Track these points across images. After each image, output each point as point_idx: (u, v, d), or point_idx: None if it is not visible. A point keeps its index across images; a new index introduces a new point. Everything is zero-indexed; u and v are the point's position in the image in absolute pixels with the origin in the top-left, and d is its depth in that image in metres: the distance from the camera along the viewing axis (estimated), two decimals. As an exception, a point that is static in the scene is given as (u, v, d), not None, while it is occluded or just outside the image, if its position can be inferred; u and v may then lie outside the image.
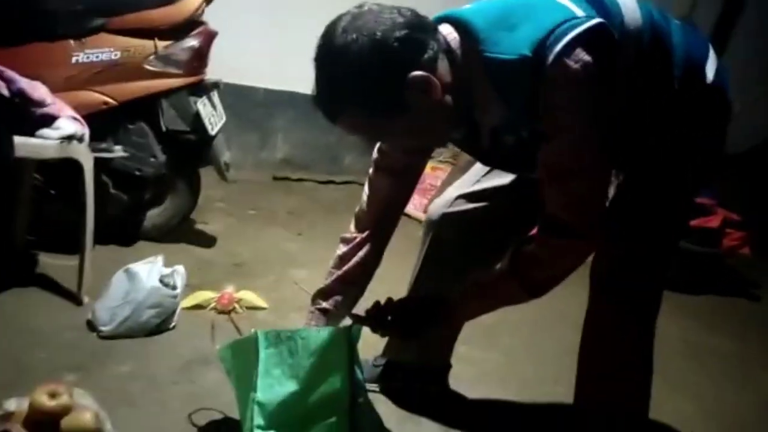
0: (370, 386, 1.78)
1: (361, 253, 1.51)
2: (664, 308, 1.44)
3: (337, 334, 1.36)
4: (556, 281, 1.25)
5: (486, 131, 1.26)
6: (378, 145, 1.49)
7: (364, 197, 1.53)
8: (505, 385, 1.99)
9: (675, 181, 1.35)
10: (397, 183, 1.50)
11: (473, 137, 1.29)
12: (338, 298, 1.51)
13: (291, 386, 1.35)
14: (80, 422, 1.29)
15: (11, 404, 1.33)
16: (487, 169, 1.60)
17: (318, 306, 1.52)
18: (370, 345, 1.69)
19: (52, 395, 1.31)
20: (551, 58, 1.07)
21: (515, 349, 2.26)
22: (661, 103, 1.28)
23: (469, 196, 1.61)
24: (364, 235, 1.52)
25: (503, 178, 1.57)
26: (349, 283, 1.52)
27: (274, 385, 1.35)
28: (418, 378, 1.79)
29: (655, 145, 1.32)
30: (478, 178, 1.62)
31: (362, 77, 1.09)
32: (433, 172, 3.86)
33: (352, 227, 1.55)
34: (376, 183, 1.51)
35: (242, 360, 1.40)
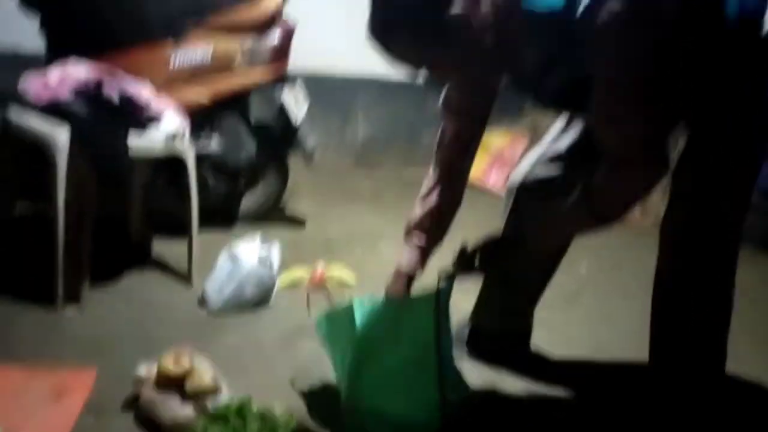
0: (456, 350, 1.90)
1: (437, 191, 1.59)
2: (740, 263, 1.45)
3: (427, 298, 1.46)
4: (622, 209, 1.33)
5: (533, 69, 1.30)
6: (445, 89, 1.55)
7: (437, 139, 1.61)
8: (586, 347, 2.04)
9: (741, 136, 1.36)
10: (461, 123, 1.56)
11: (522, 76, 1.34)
12: (425, 236, 1.58)
13: (384, 350, 1.46)
14: (202, 383, 1.47)
15: (142, 370, 1.55)
16: (560, 130, 1.65)
17: (411, 242, 1.59)
18: (457, 311, 1.79)
19: (177, 361, 1.51)
20: None
21: (596, 314, 2.29)
22: (716, 55, 1.29)
23: (546, 162, 1.67)
24: (438, 174, 1.60)
25: (575, 136, 1.62)
26: (435, 219, 1.58)
27: (369, 349, 1.46)
28: (502, 342, 1.88)
29: (717, 99, 1.33)
30: (552, 138, 1.68)
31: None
32: (512, 144, 3.88)
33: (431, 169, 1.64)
34: (443, 125, 1.58)
35: (338, 328, 1.53)
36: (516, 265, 1.55)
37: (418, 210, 1.59)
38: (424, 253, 1.58)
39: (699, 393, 1.51)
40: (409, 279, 1.57)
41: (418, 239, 1.58)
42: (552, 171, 1.66)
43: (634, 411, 1.66)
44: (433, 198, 1.58)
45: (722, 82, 1.32)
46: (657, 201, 3.42)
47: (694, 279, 1.43)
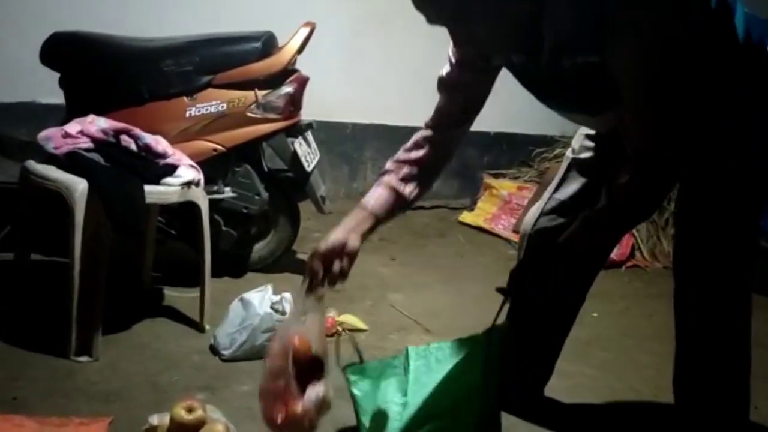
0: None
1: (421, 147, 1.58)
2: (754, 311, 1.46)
3: (477, 340, 1.45)
4: (650, 208, 1.42)
5: (547, 47, 1.32)
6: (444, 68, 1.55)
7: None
8: (600, 396, 2.02)
9: (741, 136, 1.39)
10: (453, 97, 1.55)
11: (533, 58, 1.36)
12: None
13: (433, 392, 1.45)
14: (215, 433, 1.47)
15: (154, 419, 1.54)
16: (561, 179, 1.71)
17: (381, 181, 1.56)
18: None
19: (189, 410, 1.50)
20: None
21: (610, 363, 2.28)
22: (725, 81, 1.34)
23: (558, 208, 1.70)
24: (424, 134, 1.59)
25: (587, 178, 1.67)
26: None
27: (420, 391, 1.46)
28: (518, 392, 1.86)
29: (719, 134, 1.38)
30: (554, 188, 1.73)
31: None
32: (520, 191, 3.92)
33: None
34: (440, 97, 1.58)
35: (377, 377, 1.51)
36: (543, 295, 1.55)
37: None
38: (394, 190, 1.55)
39: None
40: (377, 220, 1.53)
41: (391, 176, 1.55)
42: (557, 220, 1.69)
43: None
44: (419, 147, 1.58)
45: (724, 111, 1.38)
46: (667, 246, 3.44)
47: (711, 315, 1.43)
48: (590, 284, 1.79)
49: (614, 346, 2.42)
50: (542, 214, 1.73)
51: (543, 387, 1.90)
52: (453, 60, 1.52)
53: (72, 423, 1.60)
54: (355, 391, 1.53)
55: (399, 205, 1.55)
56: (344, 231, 1.48)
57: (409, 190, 1.55)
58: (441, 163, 1.61)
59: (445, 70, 1.55)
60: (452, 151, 1.63)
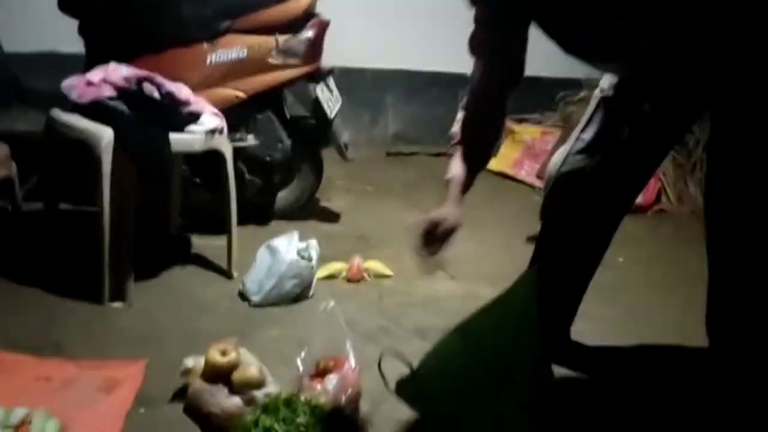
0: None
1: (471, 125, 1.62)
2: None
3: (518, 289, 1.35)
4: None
5: None
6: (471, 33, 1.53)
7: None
8: (627, 340, 2.03)
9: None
10: (487, 63, 1.54)
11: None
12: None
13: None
14: (248, 375, 1.51)
15: (189, 362, 1.58)
16: (586, 121, 1.69)
17: (456, 155, 1.62)
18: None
19: (223, 353, 1.54)
20: None
21: (636, 308, 2.28)
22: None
23: (586, 148, 1.68)
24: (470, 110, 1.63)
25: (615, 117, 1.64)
26: (471, 147, 1.62)
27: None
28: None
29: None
30: (580, 130, 1.71)
31: None
32: (543, 137, 3.86)
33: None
34: (473, 66, 1.57)
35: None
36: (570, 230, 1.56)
37: (457, 129, 1.64)
38: (470, 169, 1.60)
39: (759, 378, 1.49)
40: (462, 188, 1.60)
41: (462, 153, 1.60)
42: (585, 161, 1.67)
43: (685, 396, 1.66)
44: (468, 128, 1.62)
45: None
46: (694, 190, 3.39)
47: (746, 248, 1.43)
48: (616, 225, 1.77)
49: (641, 290, 2.41)
50: (569, 155, 1.71)
51: (568, 329, 1.91)
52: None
53: (109, 366, 1.65)
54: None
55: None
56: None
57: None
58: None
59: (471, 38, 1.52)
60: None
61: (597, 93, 1.72)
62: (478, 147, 1.63)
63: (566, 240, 1.72)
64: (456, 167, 1.61)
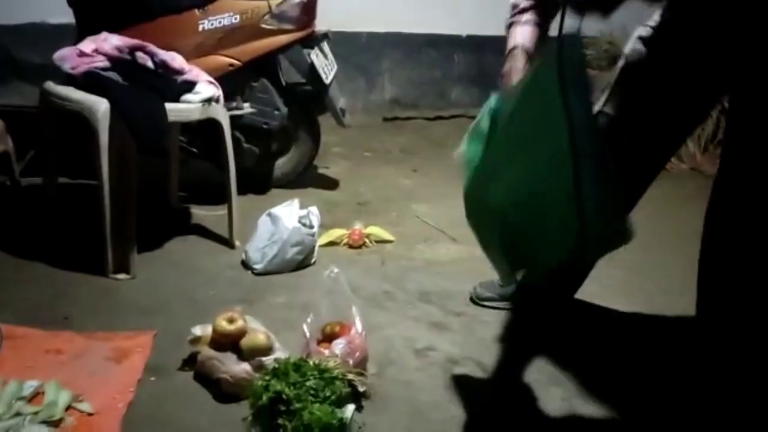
0: (500, 304, 1.92)
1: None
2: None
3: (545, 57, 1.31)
4: None
5: None
6: None
7: None
8: (631, 297, 2.05)
9: None
10: None
11: None
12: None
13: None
14: (256, 341, 1.52)
15: (197, 330, 1.60)
16: None
17: (521, 19, 1.55)
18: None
19: (230, 321, 1.55)
20: None
21: (639, 265, 2.29)
22: None
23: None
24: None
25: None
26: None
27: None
28: (549, 293, 1.88)
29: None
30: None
31: None
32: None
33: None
34: None
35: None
36: None
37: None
38: (539, 26, 1.54)
39: (747, 345, 1.51)
40: (528, 56, 1.52)
41: (530, 14, 1.54)
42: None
43: (677, 360, 1.68)
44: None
45: None
46: (693, 147, 3.39)
47: (741, 228, 1.42)
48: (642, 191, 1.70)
49: (643, 248, 2.40)
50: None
51: (574, 290, 1.93)
52: None
53: (118, 337, 1.66)
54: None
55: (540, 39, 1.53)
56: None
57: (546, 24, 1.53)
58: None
59: None
60: None
61: (620, 64, 1.64)
62: None
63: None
64: (520, 34, 1.52)
